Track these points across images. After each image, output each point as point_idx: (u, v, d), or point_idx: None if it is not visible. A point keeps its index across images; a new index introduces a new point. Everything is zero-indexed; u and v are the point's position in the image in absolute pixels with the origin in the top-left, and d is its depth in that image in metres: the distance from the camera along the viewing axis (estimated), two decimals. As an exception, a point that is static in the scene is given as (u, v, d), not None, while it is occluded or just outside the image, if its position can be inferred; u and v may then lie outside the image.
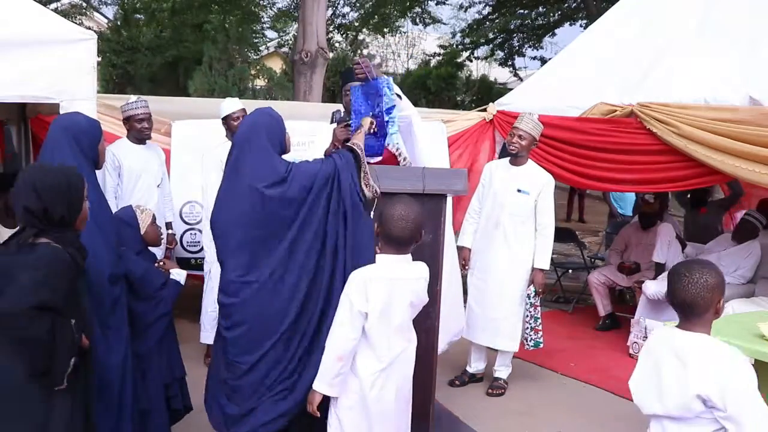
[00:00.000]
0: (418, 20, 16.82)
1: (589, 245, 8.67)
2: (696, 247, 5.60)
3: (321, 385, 2.35)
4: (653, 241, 5.54)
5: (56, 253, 2.05)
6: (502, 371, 4.25)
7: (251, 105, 4.61)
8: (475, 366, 4.34)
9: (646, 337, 4.86)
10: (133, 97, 4.37)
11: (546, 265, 4.08)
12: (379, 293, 2.31)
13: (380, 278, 2.33)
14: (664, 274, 5.33)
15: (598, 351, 5.11)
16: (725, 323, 3.41)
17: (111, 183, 4.16)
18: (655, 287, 5.13)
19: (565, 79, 5.43)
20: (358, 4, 16.60)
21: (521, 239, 4.05)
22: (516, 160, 4.09)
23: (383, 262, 2.39)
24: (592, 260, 7.25)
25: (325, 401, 2.41)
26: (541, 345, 4.13)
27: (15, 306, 1.88)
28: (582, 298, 6.45)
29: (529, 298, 4.06)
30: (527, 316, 4.08)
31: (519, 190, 4.03)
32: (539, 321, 4.11)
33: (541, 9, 15.97)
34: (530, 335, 4.09)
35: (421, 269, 2.46)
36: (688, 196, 6.47)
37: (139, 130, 4.27)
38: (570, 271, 7.07)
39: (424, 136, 3.41)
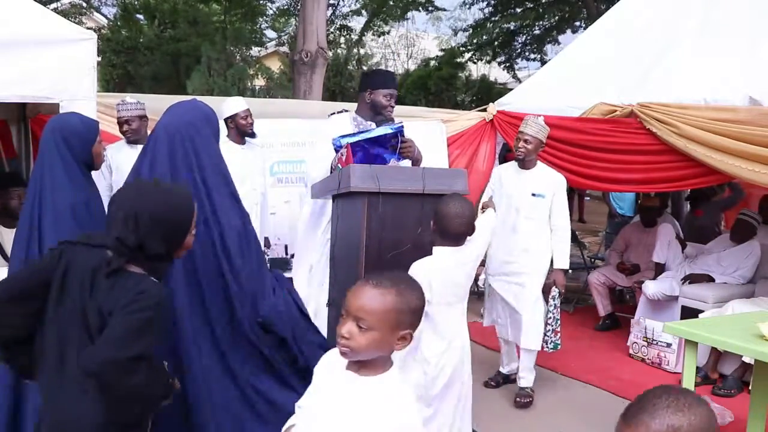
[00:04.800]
0: (421, 9, 16.91)
1: (589, 245, 8.68)
2: (696, 247, 5.61)
3: None
4: (653, 241, 5.55)
5: (152, 290, 1.76)
6: (526, 378, 4.09)
7: (251, 105, 4.63)
8: (508, 367, 4.31)
9: (647, 338, 4.86)
10: (127, 97, 4.29)
11: (566, 264, 4.05)
12: (439, 281, 2.53)
13: (438, 268, 2.55)
14: (664, 274, 5.34)
15: (598, 351, 5.11)
16: (725, 323, 3.41)
17: (104, 183, 4.12)
18: (654, 287, 5.13)
19: (565, 79, 5.44)
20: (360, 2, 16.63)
21: (539, 241, 4.00)
22: (525, 163, 4.04)
23: (441, 254, 2.60)
24: (592, 260, 7.26)
25: None
26: (559, 347, 4.09)
27: (116, 356, 1.64)
28: (582, 298, 6.45)
29: (554, 300, 4.02)
30: (549, 317, 4.03)
31: (534, 194, 3.98)
32: (559, 323, 4.07)
33: (541, 11, 15.96)
34: (550, 337, 4.04)
35: (470, 252, 2.69)
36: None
37: (123, 132, 4.20)
38: (570, 271, 7.06)
39: None
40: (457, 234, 2.55)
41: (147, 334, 1.70)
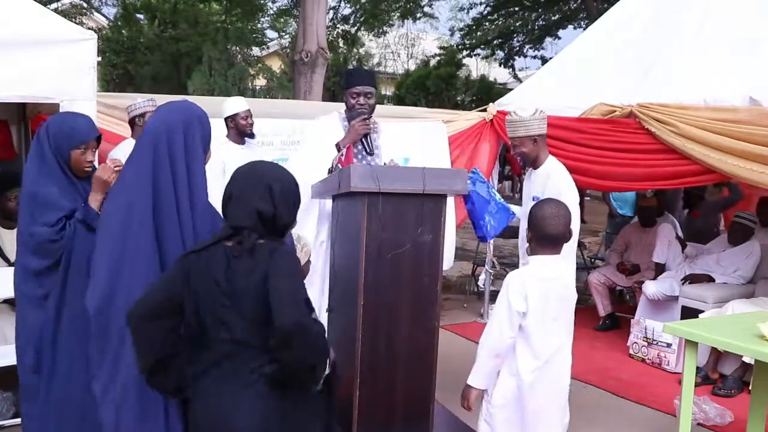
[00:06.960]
0: (412, 18, 16.99)
1: (589, 245, 8.67)
2: (696, 247, 5.61)
3: (477, 379, 2.49)
4: (653, 241, 5.55)
5: (285, 248, 1.94)
6: None
7: (251, 105, 4.62)
8: None
9: (647, 338, 4.86)
10: (140, 97, 4.25)
11: None
12: (536, 293, 2.42)
13: (537, 278, 2.45)
14: (665, 274, 5.34)
15: (598, 351, 5.11)
16: (725, 323, 3.42)
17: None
18: (655, 287, 5.14)
19: (565, 79, 5.44)
20: (356, 5, 16.71)
21: None
22: (533, 163, 3.57)
23: (538, 262, 2.49)
24: (592, 260, 7.26)
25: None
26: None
27: (300, 318, 1.76)
28: (582, 298, 6.42)
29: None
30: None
31: (534, 198, 3.47)
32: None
33: (540, 11, 16.01)
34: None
35: (568, 266, 2.63)
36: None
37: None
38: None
39: None
40: (556, 236, 2.45)
41: (303, 288, 1.85)
